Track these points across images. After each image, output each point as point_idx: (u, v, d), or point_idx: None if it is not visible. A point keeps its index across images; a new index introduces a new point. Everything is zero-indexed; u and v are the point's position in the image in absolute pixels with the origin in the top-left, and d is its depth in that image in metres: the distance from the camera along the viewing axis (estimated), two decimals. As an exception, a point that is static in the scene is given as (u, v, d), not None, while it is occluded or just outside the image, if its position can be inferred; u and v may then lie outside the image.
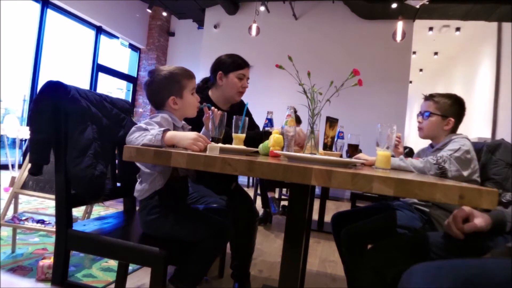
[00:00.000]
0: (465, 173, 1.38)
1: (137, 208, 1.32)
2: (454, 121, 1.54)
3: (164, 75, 1.23)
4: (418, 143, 1.86)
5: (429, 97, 1.58)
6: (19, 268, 1.75)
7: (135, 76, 8.07)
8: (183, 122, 1.31)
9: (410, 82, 7.31)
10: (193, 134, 1.03)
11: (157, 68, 1.27)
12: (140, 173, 1.22)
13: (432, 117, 1.54)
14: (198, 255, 1.17)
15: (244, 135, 1.27)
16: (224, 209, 1.42)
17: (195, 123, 1.37)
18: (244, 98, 1.76)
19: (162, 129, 1.04)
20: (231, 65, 1.69)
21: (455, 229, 1.09)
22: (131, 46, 7.87)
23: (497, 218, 1.07)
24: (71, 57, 6.96)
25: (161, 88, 1.23)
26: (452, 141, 1.47)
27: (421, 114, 1.59)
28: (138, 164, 1.20)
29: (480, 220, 1.07)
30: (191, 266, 1.17)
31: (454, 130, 1.56)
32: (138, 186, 1.21)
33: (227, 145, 1.11)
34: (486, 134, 5.72)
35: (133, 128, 1.08)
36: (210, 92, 1.72)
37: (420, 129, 1.60)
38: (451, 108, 1.54)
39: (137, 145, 0.99)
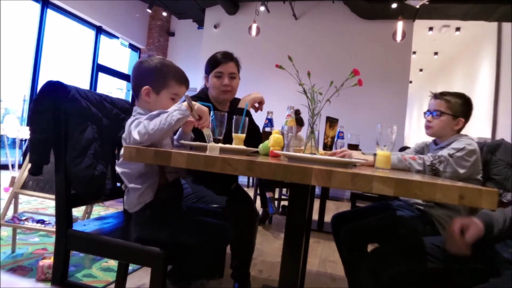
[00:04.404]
0: (461, 171, 1.36)
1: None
2: (464, 121, 1.52)
3: (155, 63, 1.18)
4: (415, 144, 1.86)
5: (439, 96, 1.54)
6: (19, 268, 1.75)
7: (135, 76, 8.05)
8: None
9: (410, 82, 7.31)
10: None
11: (156, 55, 1.24)
12: (125, 184, 1.16)
13: (443, 117, 1.51)
14: (196, 256, 1.16)
15: (244, 135, 1.26)
16: (223, 212, 1.40)
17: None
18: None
19: (180, 104, 1.05)
20: (208, 65, 1.66)
21: (461, 244, 1.05)
22: (131, 46, 7.87)
23: (485, 221, 1.06)
24: (71, 57, 6.96)
25: (145, 74, 1.18)
26: (458, 140, 1.46)
27: (430, 112, 1.55)
28: (122, 178, 1.14)
29: (477, 222, 1.05)
30: (188, 266, 1.17)
31: (460, 130, 1.54)
32: (126, 198, 1.16)
33: (227, 145, 1.11)
34: (486, 134, 5.72)
35: (143, 120, 1.02)
36: (208, 94, 1.73)
37: (428, 127, 1.56)
38: (461, 108, 1.51)
39: (166, 129, 0.99)
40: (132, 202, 1.13)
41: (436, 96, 1.56)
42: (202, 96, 1.67)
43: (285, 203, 3.87)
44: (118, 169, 1.14)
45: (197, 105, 1.11)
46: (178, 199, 1.32)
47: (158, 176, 1.14)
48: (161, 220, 1.14)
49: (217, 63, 1.64)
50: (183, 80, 1.22)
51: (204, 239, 1.15)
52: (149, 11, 7.00)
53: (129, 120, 1.09)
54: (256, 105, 1.69)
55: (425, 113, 1.59)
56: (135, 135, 1.00)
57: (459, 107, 1.51)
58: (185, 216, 1.24)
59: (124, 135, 1.08)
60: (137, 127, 1.01)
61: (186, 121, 1.11)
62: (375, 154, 1.36)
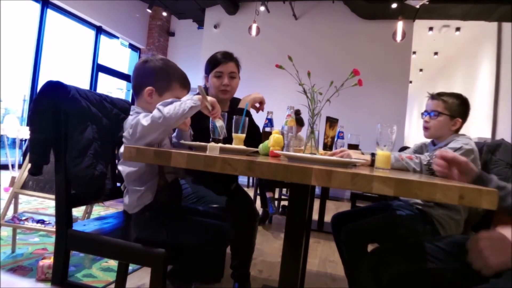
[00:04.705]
0: None
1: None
2: (461, 122, 1.52)
3: (160, 63, 1.18)
4: (414, 144, 1.86)
5: (437, 96, 1.55)
6: (19, 268, 1.75)
7: (135, 76, 8.05)
8: None
9: (410, 82, 7.31)
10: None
11: (158, 55, 1.24)
12: (125, 184, 1.16)
13: (441, 117, 1.51)
14: (196, 256, 1.16)
15: (244, 135, 1.26)
16: (223, 214, 1.40)
17: (198, 128, 1.35)
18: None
19: (191, 96, 1.08)
20: (208, 65, 1.67)
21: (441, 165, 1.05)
22: (131, 46, 7.87)
23: (483, 175, 1.05)
24: (71, 57, 6.96)
25: (149, 74, 1.18)
26: (455, 140, 1.46)
27: (428, 113, 1.56)
28: (124, 178, 1.14)
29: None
30: (189, 267, 1.17)
31: (458, 130, 1.55)
32: (125, 199, 1.16)
33: (227, 145, 1.11)
34: (486, 134, 5.72)
35: (158, 106, 1.04)
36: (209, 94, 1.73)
37: (426, 128, 1.56)
38: (459, 108, 1.52)
39: (180, 115, 1.02)
40: (131, 203, 1.13)
41: (433, 96, 1.56)
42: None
43: (285, 203, 3.87)
44: (121, 168, 1.15)
45: (208, 97, 1.14)
46: (177, 200, 1.31)
47: (157, 177, 1.14)
48: (161, 222, 1.13)
49: (217, 63, 1.64)
50: (186, 84, 1.23)
51: (204, 239, 1.15)
52: (149, 11, 7.00)
53: (130, 118, 1.09)
54: (257, 105, 1.69)
55: (422, 113, 1.59)
56: (146, 122, 1.01)
57: (456, 107, 1.51)
58: (184, 217, 1.23)
59: (125, 134, 1.08)
60: (147, 116, 1.03)
61: (183, 120, 1.11)
62: (372, 154, 1.36)
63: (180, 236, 1.14)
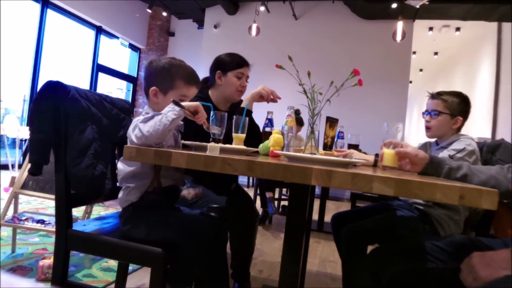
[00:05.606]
0: None
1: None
2: (462, 120, 1.52)
3: (164, 63, 1.19)
4: (418, 144, 1.86)
5: (436, 96, 1.55)
6: (19, 268, 1.75)
7: (135, 76, 8.07)
8: None
9: (410, 82, 7.31)
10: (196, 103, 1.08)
11: (167, 55, 1.24)
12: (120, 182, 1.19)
13: (441, 116, 1.52)
14: (192, 257, 1.16)
15: (244, 135, 1.26)
16: (222, 214, 1.40)
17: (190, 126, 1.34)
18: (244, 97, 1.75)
19: (172, 106, 1.01)
20: (230, 64, 1.67)
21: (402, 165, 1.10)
22: (131, 46, 7.87)
23: (434, 161, 1.10)
24: (71, 57, 6.96)
25: (153, 74, 1.18)
26: (458, 141, 1.46)
27: (428, 113, 1.56)
28: (118, 174, 1.17)
29: (411, 148, 1.11)
30: (185, 266, 1.17)
31: (459, 128, 1.55)
32: (119, 194, 1.20)
33: (227, 145, 1.11)
34: (486, 134, 5.72)
35: (138, 124, 1.00)
36: (210, 92, 1.72)
37: (428, 128, 1.57)
38: (459, 107, 1.52)
39: (162, 131, 0.97)
40: (121, 198, 1.17)
41: (433, 96, 1.57)
42: (203, 96, 1.66)
43: (285, 203, 3.87)
44: (120, 166, 1.15)
45: (185, 103, 1.07)
46: (167, 205, 1.27)
47: (150, 179, 1.15)
48: (140, 219, 1.14)
49: (241, 64, 1.68)
50: (192, 81, 1.21)
51: (187, 237, 1.14)
52: (149, 11, 6.99)
53: (135, 119, 1.10)
54: (265, 93, 1.66)
55: (423, 113, 1.59)
56: (134, 138, 1.00)
57: (456, 106, 1.51)
58: (167, 217, 1.20)
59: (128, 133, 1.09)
60: (134, 130, 1.01)
61: (168, 134, 1.07)
62: (376, 155, 1.36)
63: (158, 233, 1.13)
